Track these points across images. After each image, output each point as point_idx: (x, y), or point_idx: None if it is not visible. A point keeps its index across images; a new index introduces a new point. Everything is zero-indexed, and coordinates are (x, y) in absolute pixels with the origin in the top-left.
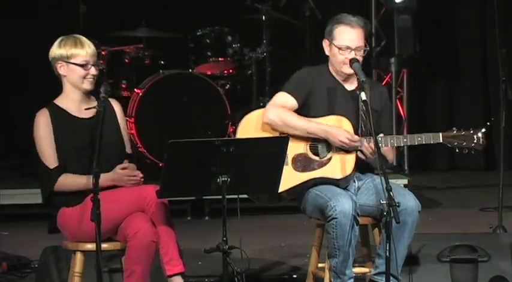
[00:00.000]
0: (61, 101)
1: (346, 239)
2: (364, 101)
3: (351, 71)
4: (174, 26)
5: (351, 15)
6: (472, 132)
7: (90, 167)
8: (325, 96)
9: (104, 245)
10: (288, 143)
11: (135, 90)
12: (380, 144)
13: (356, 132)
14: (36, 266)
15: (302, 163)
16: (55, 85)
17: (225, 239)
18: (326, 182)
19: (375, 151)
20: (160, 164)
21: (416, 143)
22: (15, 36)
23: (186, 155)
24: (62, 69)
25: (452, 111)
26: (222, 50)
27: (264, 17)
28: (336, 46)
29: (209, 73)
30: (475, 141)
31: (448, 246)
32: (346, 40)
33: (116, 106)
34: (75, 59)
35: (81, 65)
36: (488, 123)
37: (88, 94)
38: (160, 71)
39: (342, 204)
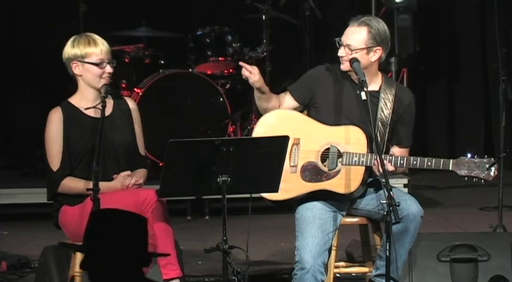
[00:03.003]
0: (76, 100)
1: None
2: (364, 101)
3: (344, 68)
4: (174, 25)
5: (363, 15)
6: (485, 161)
7: (104, 167)
8: (335, 96)
9: None
10: (288, 143)
11: (135, 89)
12: (390, 163)
13: (370, 142)
14: (36, 265)
15: (310, 173)
16: (55, 85)
17: (225, 238)
18: (330, 195)
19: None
20: (161, 164)
21: (425, 167)
22: (15, 36)
23: (186, 154)
24: (77, 69)
25: (452, 111)
26: (222, 49)
27: (264, 17)
28: None
29: (209, 72)
30: (487, 171)
31: (448, 246)
32: (343, 35)
33: (132, 106)
34: (89, 58)
35: (97, 64)
36: (501, 156)
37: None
38: (160, 70)
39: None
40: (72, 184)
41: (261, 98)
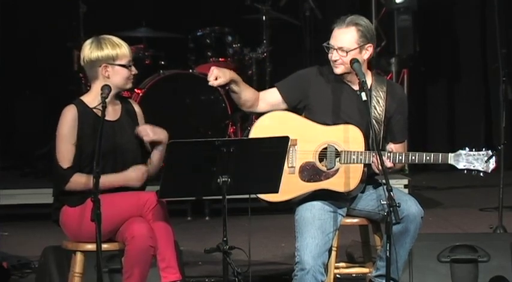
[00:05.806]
0: (89, 100)
1: None
2: (364, 101)
3: (339, 71)
4: (174, 26)
5: (347, 15)
6: (483, 153)
7: (112, 171)
8: (328, 98)
9: (104, 246)
10: (288, 143)
11: (136, 90)
12: (388, 159)
13: (366, 140)
14: (36, 266)
15: (309, 173)
16: (54, 85)
17: (225, 239)
18: (330, 194)
19: (380, 163)
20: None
21: (424, 162)
22: (15, 36)
23: (186, 155)
24: (106, 71)
25: (453, 111)
26: (222, 50)
27: (264, 17)
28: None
29: None
30: (485, 164)
31: (448, 246)
32: (331, 38)
33: (138, 109)
34: (120, 60)
35: (127, 66)
36: (499, 147)
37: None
38: (161, 71)
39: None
40: (80, 180)
41: (234, 95)
